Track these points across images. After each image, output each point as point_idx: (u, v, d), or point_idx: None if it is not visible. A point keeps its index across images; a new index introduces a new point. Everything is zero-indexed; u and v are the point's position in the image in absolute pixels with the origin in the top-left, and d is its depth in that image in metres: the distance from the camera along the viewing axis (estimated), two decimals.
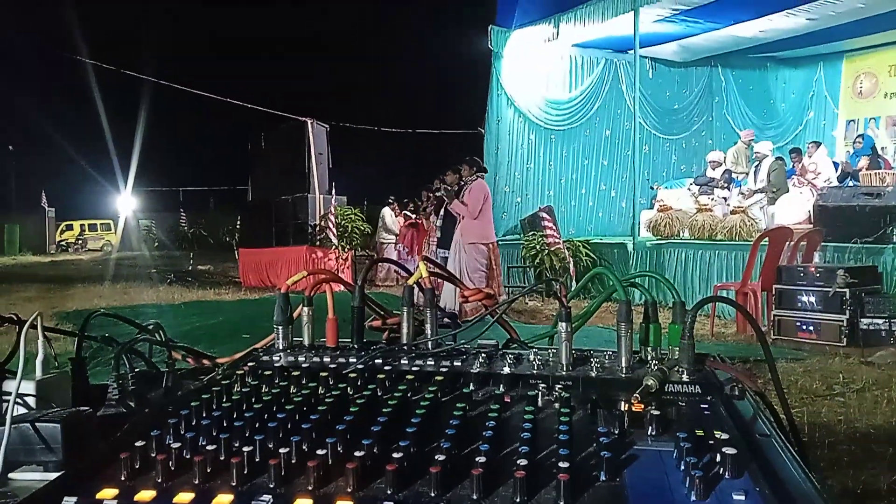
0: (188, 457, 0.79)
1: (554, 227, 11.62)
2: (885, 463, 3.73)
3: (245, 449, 0.78)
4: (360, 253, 15.08)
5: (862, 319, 7.02)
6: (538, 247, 11.67)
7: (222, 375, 1.12)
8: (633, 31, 11.77)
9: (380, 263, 14.49)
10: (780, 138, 15.52)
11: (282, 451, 0.77)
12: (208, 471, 0.76)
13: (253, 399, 0.98)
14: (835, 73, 16.16)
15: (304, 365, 1.14)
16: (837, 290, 7.08)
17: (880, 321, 6.97)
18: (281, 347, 1.22)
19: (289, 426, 0.87)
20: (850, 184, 11.44)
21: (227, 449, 0.80)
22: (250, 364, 1.15)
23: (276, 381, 1.07)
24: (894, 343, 6.82)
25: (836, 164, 13.05)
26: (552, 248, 11.41)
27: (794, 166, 12.57)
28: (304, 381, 1.06)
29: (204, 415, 0.92)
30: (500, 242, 13.12)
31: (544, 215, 11.91)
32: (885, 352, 6.50)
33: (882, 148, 13.82)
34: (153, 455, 0.79)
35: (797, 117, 16.42)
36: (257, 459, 0.78)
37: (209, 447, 0.79)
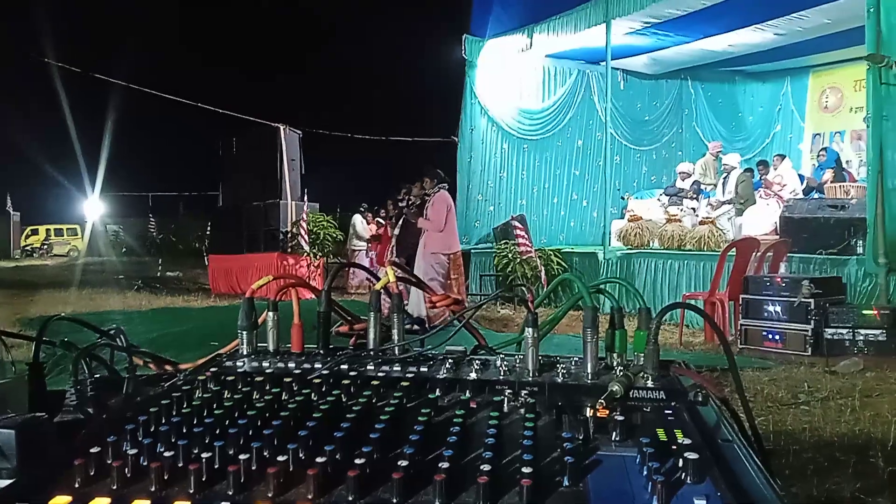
0: (145, 463, 0.77)
1: (526, 236, 11.67)
2: (848, 471, 3.78)
3: (204, 455, 0.76)
4: (332, 260, 14.98)
5: (826, 329, 7.15)
6: (510, 255, 11.71)
7: (183, 381, 1.10)
8: (606, 42, 11.89)
9: (352, 272, 14.44)
10: (748, 150, 15.76)
11: (242, 457, 0.75)
12: (165, 478, 0.74)
13: (214, 405, 0.96)
14: (801, 88, 16.47)
15: (268, 370, 1.12)
16: (803, 300, 7.21)
17: (844, 331, 7.10)
18: (245, 353, 1.20)
19: (250, 432, 0.85)
20: (816, 196, 11.65)
21: (185, 455, 0.78)
22: (213, 370, 1.12)
23: (239, 387, 1.05)
24: (858, 353, 6.95)
25: (801, 177, 13.29)
26: (524, 257, 11.45)
27: (761, 178, 12.78)
28: (267, 387, 1.04)
29: (163, 421, 0.90)
30: (472, 251, 13.19)
31: (516, 224, 11.95)
32: (849, 361, 6.61)
33: (847, 161, 14.10)
34: (109, 462, 0.77)
35: (765, 130, 16.69)
36: (216, 466, 0.76)
37: (167, 453, 0.77)
